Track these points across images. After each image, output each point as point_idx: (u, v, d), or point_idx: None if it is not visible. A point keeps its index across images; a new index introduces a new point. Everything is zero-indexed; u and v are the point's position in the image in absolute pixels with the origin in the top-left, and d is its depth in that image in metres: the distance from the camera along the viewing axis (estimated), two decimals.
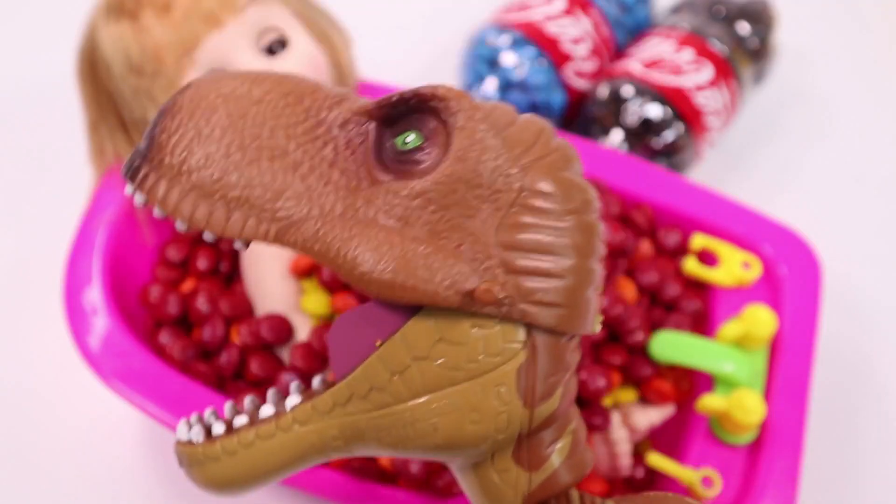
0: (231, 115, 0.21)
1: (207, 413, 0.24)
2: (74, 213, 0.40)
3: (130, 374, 0.33)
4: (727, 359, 0.33)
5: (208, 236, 0.21)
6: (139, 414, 0.38)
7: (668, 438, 0.35)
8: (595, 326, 0.23)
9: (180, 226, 0.21)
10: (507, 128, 0.22)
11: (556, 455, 0.23)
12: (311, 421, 0.22)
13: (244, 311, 0.35)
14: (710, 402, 0.32)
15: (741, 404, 0.31)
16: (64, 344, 0.37)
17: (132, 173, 0.22)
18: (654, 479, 0.34)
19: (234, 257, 0.38)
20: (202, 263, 0.37)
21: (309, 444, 0.22)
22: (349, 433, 0.22)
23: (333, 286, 0.34)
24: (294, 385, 0.23)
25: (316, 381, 0.24)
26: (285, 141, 0.22)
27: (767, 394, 0.33)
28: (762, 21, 0.47)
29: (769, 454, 0.32)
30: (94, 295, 0.35)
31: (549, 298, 0.21)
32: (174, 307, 0.36)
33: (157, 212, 0.21)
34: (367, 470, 0.32)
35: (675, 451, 0.34)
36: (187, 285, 0.38)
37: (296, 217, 0.21)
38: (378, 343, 0.22)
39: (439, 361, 0.21)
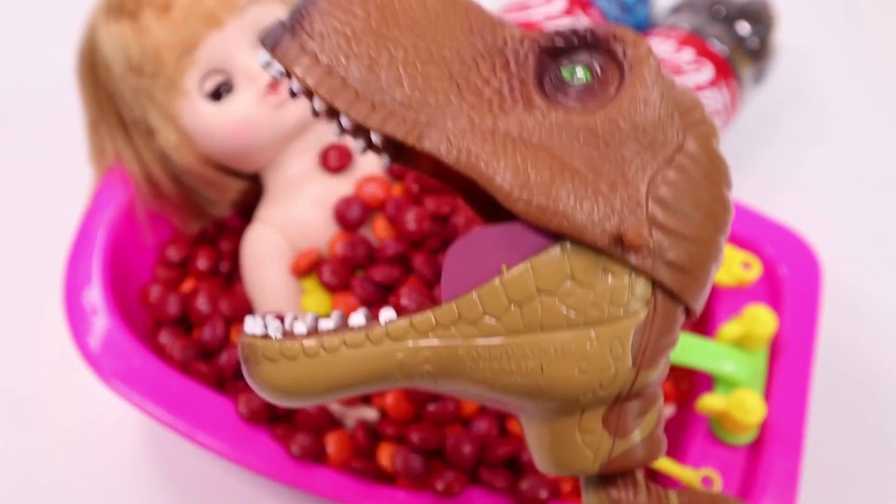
0: (391, 10, 0.21)
1: (288, 317, 0.22)
2: (74, 213, 0.40)
3: (130, 374, 0.33)
4: (727, 359, 0.33)
5: (345, 122, 0.20)
6: (139, 414, 0.38)
7: (668, 438, 0.35)
8: (700, 309, 0.22)
9: (318, 104, 0.20)
10: (673, 87, 0.22)
11: (639, 430, 0.22)
12: (405, 337, 0.20)
13: (244, 311, 0.35)
14: (710, 402, 0.32)
15: (741, 404, 0.31)
16: (64, 344, 0.37)
17: (274, 37, 0.20)
18: (655, 479, 0.34)
19: (234, 257, 0.38)
20: (202, 263, 0.37)
21: (397, 363, 0.20)
22: (444, 358, 0.21)
23: (333, 286, 0.34)
24: (387, 309, 0.22)
25: (386, 313, 0.21)
26: (442, 49, 0.21)
27: (767, 394, 0.33)
28: (762, 21, 0.47)
29: (769, 454, 0.32)
30: (94, 295, 0.35)
31: (682, 262, 0.21)
32: (174, 307, 0.36)
33: (293, 85, 0.21)
34: (367, 470, 0.32)
35: (675, 451, 0.34)
36: (187, 285, 0.38)
37: (440, 124, 0.20)
38: (504, 267, 0.21)
39: (564, 300, 0.20)
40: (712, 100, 0.44)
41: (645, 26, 0.50)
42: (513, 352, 0.21)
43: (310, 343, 0.20)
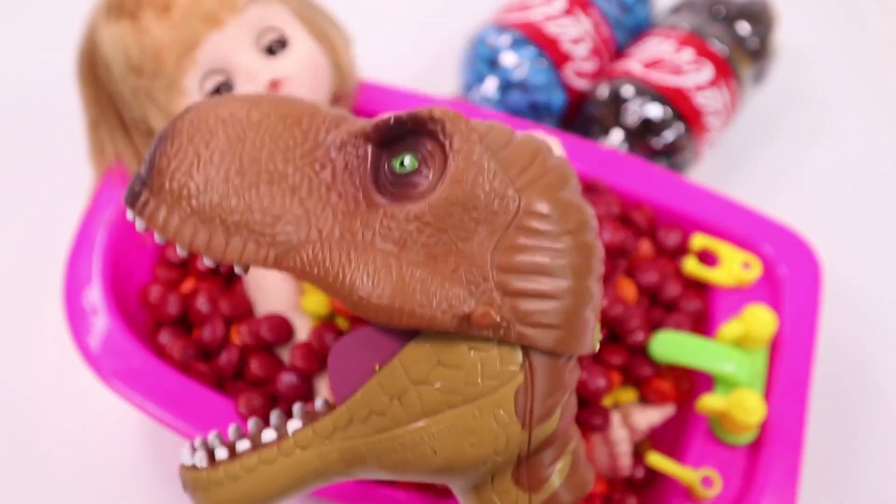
0: (230, 139, 0.22)
1: (211, 437, 0.24)
2: (74, 213, 0.40)
3: (130, 374, 0.33)
4: (727, 359, 0.33)
5: (207, 262, 0.22)
6: (139, 414, 0.38)
7: (668, 438, 0.35)
8: (594, 344, 0.23)
9: (180, 251, 0.22)
10: (504, 149, 0.22)
11: (557, 475, 0.23)
12: (312, 445, 0.23)
13: (244, 311, 0.35)
14: (710, 402, 0.32)
15: (741, 404, 0.31)
16: (64, 344, 0.37)
17: (132, 199, 0.22)
18: (654, 479, 0.34)
19: None
20: (202, 263, 0.37)
21: (311, 468, 0.23)
22: (349, 457, 0.23)
23: None
24: (297, 407, 0.24)
25: (318, 403, 0.24)
26: (283, 164, 0.22)
27: (767, 394, 0.33)
28: (762, 21, 0.47)
29: (769, 454, 0.32)
30: (94, 295, 0.35)
31: (547, 320, 0.21)
32: (174, 307, 0.36)
33: (157, 237, 0.22)
34: None
35: (675, 451, 0.34)
36: (187, 285, 0.38)
37: (295, 241, 0.21)
38: (377, 367, 0.22)
39: (437, 385, 0.22)
40: (712, 100, 0.44)
41: (645, 26, 0.50)
42: (405, 441, 0.22)
43: (230, 468, 0.23)
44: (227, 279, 0.38)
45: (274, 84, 0.34)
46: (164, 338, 0.36)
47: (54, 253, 0.41)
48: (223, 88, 0.35)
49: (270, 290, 0.35)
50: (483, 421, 0.22)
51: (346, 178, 0.22)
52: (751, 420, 0.31)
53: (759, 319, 0.33)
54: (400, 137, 0.22)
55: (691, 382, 0.36)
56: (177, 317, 0.36)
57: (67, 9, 0.45)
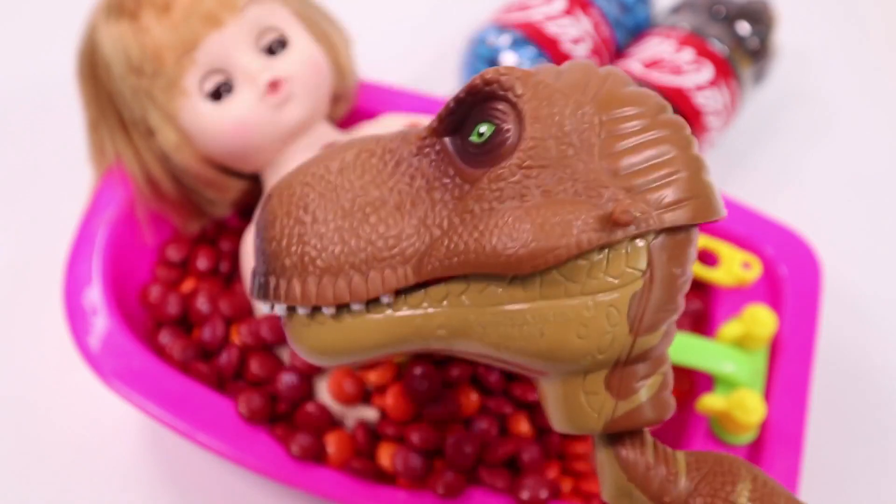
0: (322, 194, 0.23)
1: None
2: (74, 213, 0.40)
3: (130, 374, 0.33)
4: (727, 359, 0.33)
5: (357, 307, 0.22)
6: (139, 414, 0.38)
7: (668, 438, 0.35)
8: (723, 210, 0.23)
9: (327, 311, 0.22)
10: (560, 77, 0.23)
11: (645, 391, 0.23)
12: (421, 305, 0.23)
13: (244, 311, 0.35)
14: (710, 402, 0.32)
15: (741, 404, 0.31)
16: (64, 344, 0.37)
17: (264, 292, 0.23)
18: None
19: (234, 257, 0.38)
20: (202, 263, 0.37)
21: (414, 328, 0.23)
22: (456, 324, 0.23)
23: None
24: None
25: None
26: (378, 191, 0.23)
27: (767, 394, 0.33)
28: (762, 21, 0.47)
29: (769, 454, 0.32)
30: (94, 295, 0.35)
31: (677, 196, 0.22)
32: (174, 307, 0.36)
33: (301, 311, 0.22)
34: (367, 470, 0.32)
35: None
36: (187, 285, 0.38)
37: (422, 248, 0.22)
38: None
39: (562, 271, 0.22)
40: (712, 100, 0.44)
41: (645, 26, 0.50)
42: (516, 318, 0.22)
43: (339, 314, 0.23)
44: (227, 279, 0.38)
45: (274, 84, 0.34)
46: (164, 338, 0.36)
47: (54, 253, 0.41)
48: (223, 88, 0.35)
49: None
50: (595, 315, 0.22)
51: (438, 174, 0.23)
52: (751, 420, 0.31)
53: (759, 319, 0.33)
54: (466, 114, 0.23)
55: (691, 382, 0.36)
56: (177, 317, 0.36)
57: (67, 9, 0.45)
